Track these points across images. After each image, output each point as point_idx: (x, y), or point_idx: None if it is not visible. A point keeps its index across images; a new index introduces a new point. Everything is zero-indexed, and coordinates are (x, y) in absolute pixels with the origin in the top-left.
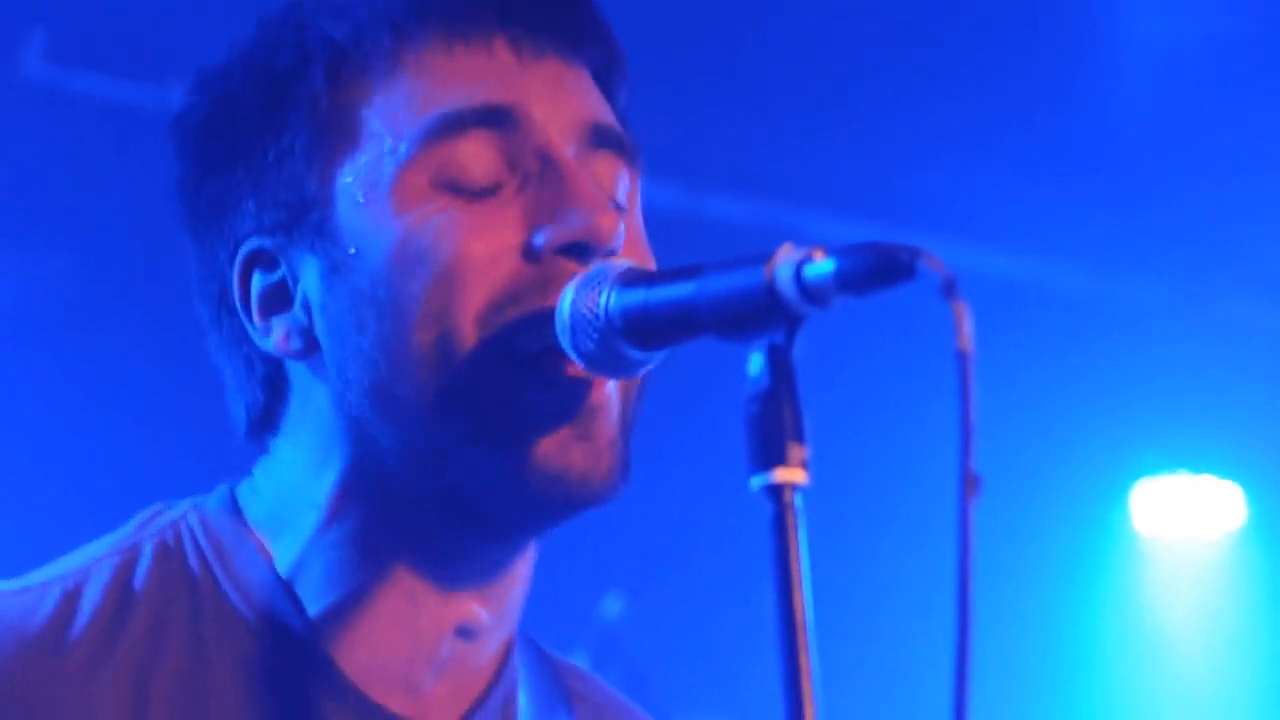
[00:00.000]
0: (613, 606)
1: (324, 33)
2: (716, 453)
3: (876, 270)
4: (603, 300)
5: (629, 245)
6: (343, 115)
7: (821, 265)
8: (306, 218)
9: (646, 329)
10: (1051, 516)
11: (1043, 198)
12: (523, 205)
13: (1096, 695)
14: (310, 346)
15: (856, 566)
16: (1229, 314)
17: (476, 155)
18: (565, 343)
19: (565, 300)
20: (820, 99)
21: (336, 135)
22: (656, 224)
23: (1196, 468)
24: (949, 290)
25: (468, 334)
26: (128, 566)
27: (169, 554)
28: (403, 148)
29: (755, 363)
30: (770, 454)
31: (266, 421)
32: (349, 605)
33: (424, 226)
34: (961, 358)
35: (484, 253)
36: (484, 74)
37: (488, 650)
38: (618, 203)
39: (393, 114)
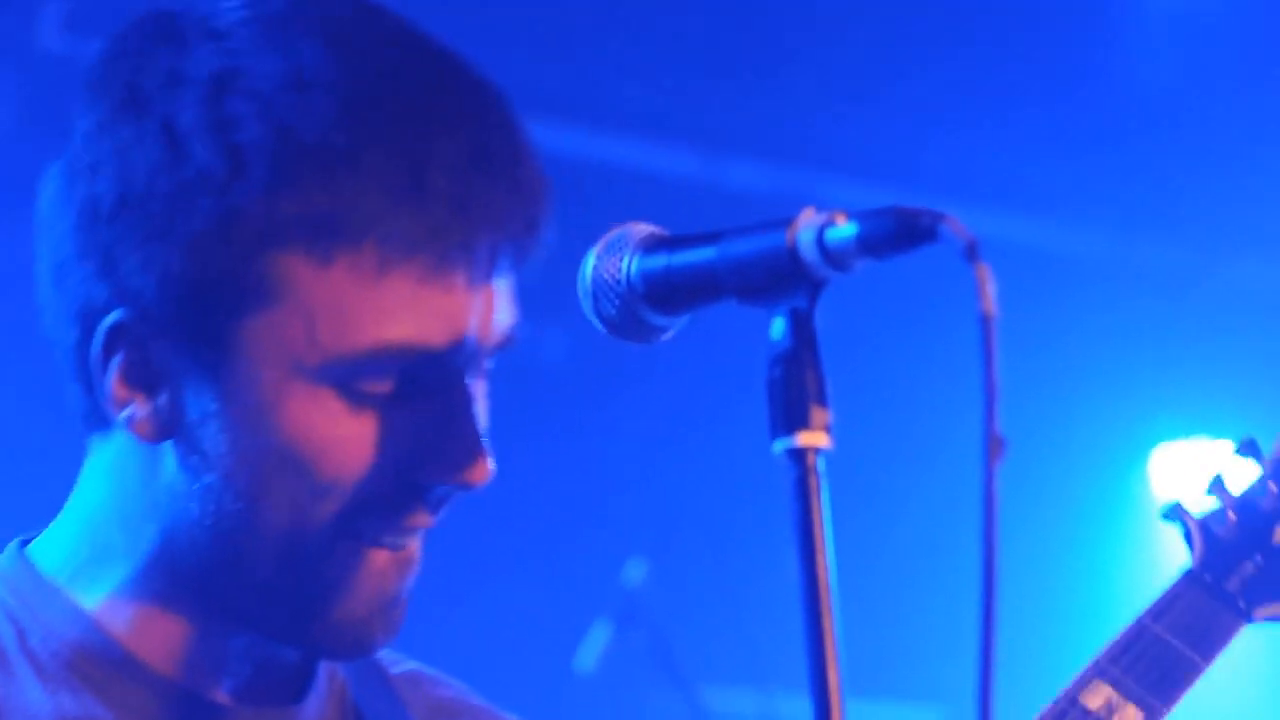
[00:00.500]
0: (635, 573)
1: (275, 123)
2: (738, 417)
3: (898, 234)
4: (624, 265)
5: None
6: (274, 246)
7: (844, 229)
8: (200, 337)
9: (668, 293)
10: (1070, 481)
11: (1061, 161)
12: (409, 417)
13: None
14: (162, 438)
15: (880, 531)
16: (1248, 278)
17: (388, 373)
18: (587, 308)
19: (587, 266)
20: (839, 64)
21: (265, 269)
22: (675, 191)
23: (1215, 433)
24: (971, 253)
25: (321, 536)
26: None
27: None
28: (332, 347)
29: (777, 327)
30: (793, 418)
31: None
32: (161, 636)
33: (313, 428)
34: (985, 321)
35: (361, 473)
36: (435, 301)
37: None
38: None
39: (337, 292)
